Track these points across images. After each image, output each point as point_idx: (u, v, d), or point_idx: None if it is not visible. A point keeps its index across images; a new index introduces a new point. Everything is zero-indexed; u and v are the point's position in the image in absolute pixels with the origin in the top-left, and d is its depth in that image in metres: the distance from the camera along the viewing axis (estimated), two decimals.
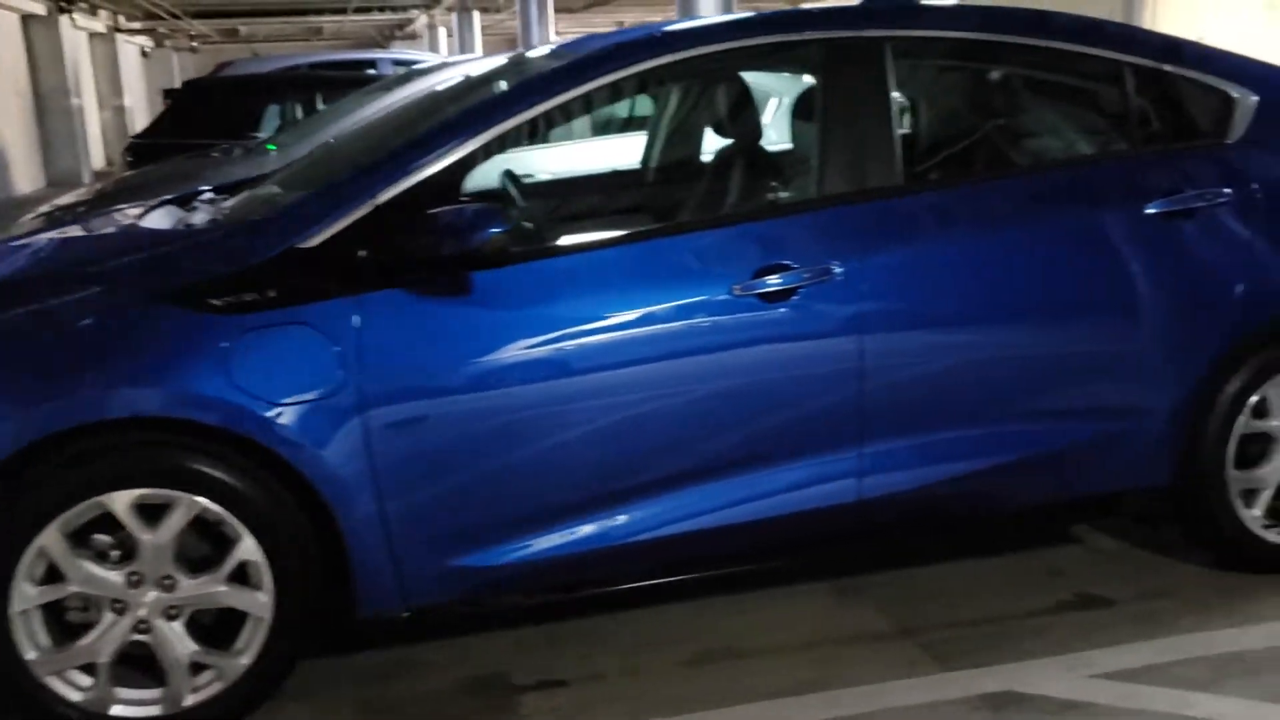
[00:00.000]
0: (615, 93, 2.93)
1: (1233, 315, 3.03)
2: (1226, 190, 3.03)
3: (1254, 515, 3.20)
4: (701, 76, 3.34)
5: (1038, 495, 3.09)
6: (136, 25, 25.31)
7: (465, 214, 2.51)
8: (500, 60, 4.16)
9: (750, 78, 3.39)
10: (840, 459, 2.87)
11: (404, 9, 23.56)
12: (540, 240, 3.09)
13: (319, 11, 23.45)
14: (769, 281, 2.74)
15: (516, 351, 2.61)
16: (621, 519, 2.76)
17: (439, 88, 3.82)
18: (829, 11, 3.00)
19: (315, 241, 2.60)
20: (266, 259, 2.56)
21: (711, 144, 3.45)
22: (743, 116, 3.29)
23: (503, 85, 2.98)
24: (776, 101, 5.51)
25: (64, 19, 19.25)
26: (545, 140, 4.74)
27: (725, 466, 2.81)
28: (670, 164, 3.64)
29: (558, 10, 16.67)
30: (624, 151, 4.31)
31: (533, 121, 2.76)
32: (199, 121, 9.11)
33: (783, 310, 2.76)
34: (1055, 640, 2.96)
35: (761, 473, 2.84)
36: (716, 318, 2.73)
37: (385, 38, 31.01)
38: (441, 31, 24.88)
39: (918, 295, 2.85)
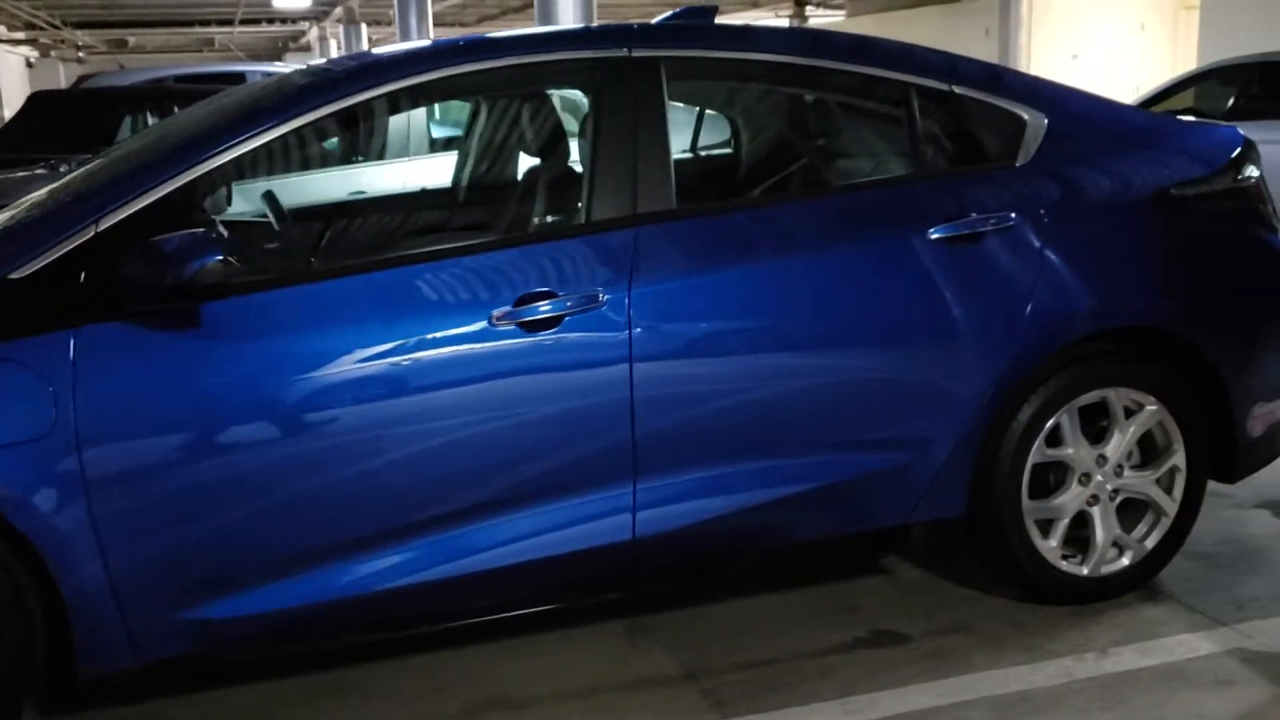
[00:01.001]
0: (368, 112, 2.77)
1: (1022, 343, 2.96)
2: (1012, 215, 2.96)
3: (1050, 546, 3.14)
4: (470, 96, 3.19)
5: (824, 529, 2.99)
6: (19, 35, 24.56)
7: (177, 242, 2.32)
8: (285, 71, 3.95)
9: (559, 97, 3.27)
10: (613, 496, 2.74)
11: (292, 21, 23.14)
12: (289, 268, 2.90)
13: (205, 23, 22.93)
14: (531, 309, 2.60)
15: (247, 390, 2.43)
16: (375, 566, 2.60)
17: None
18: (604, 30, 2.88)
19: (28, 271, 2.40)
20: None
21: (479, 167, 3.31)
22: (510, 138, 3.15)
23: (251, 104, 2.79)
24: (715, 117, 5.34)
25: None
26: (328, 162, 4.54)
27: (489, 506, 2.66)
28: (439, 188, 3.49)
29: (442, 25, 16.48)
30: (405, 174, 4.15)
31: (280, 141, 2.59)
32: (47, 135, 8.73)
33: (547, 340, 2.62)
34: (842, 682, 2.86)
35: (530, 512, 2.70)
36: (474, 348, 2.58)
37: (281, 50, 30.48)
38: (332, 44, 24.50)
39: (689, 324, 2.73)
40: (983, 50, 17.96)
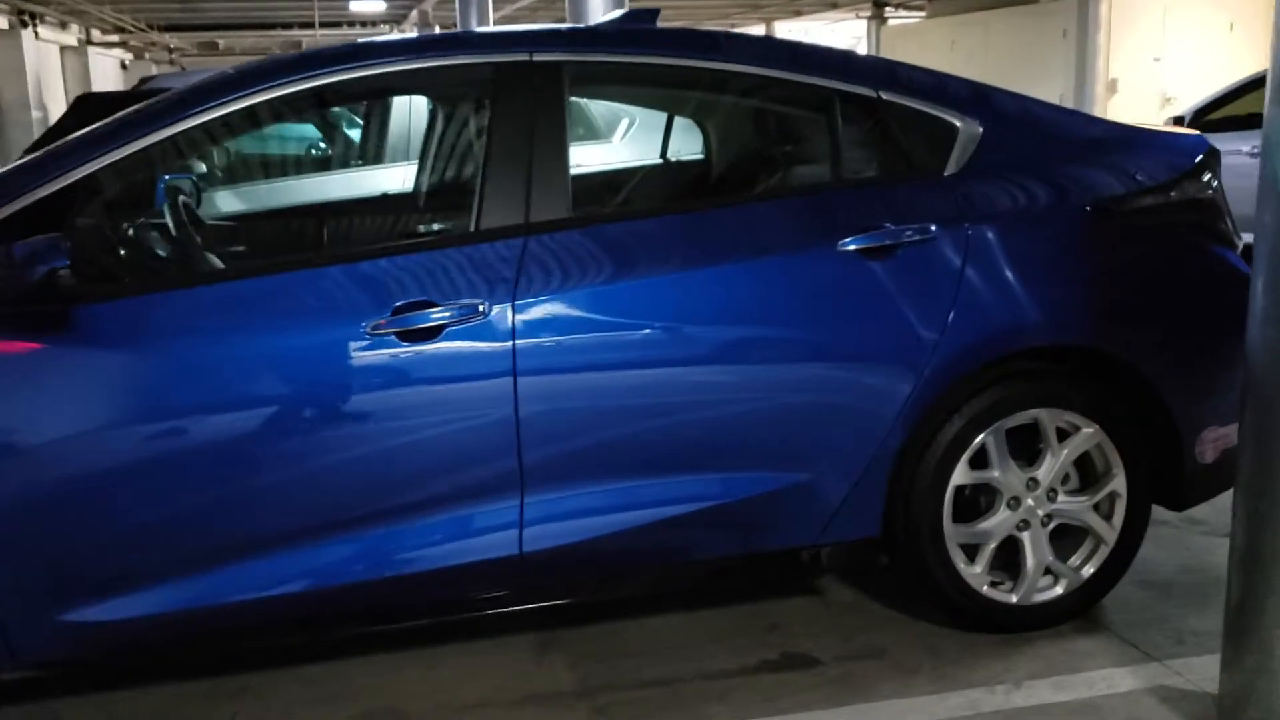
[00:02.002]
0: (252, 119, 2.76)
1: (939, 360, 2.84)
2: (932, 227, 2.85)
3: (975, 572, 3.01)
4: (366, 101, 3.16)
5: (725, 548, 2.90)
6: (112, 38, 25.32)
7: (28, 248, 2.34)
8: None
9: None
10: (499, 510, 2.70)
11: (372, 24, 23.50)
12: (157, 275, 2.88)
13: (288, 26, 23.40)
14: (408, 320, 2.56)
15: (108, 396, 2.44)
16: (260, 573, 2.59)
17: None
18: (505, 34, 2.83)
19: None
20: None
21: (373, 173, 3.28)
22: (407, 143, 3.12)
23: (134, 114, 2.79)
24: (628, 123, 5.33)
25: (26, 32, 19.22)
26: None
27: (370, 518, 2.63)
28: (333, 195, 3.47)
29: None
30: (301, 181, 4.13)
31: (158, 147, 2.59)
32: None
33: (426, 351, 2.58)
34: (737, 704, 2.78)
35: (415, 524, 2.66)
36: (348, 359, 2.55)
37: None
38: None
39: (578, 338, 2.67)
40: (1060, 53, 17.54)
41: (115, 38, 24.90)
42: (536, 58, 2.79)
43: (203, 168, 4.49)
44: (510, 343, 2.61)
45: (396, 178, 3.08)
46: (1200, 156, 3.17)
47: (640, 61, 2.89)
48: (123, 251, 2.81)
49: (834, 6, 24.25)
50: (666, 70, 2.92)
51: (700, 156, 3.09)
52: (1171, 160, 3.14)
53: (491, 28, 2.74)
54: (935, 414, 2.90)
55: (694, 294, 2.74)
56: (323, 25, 23.13)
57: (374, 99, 3.10)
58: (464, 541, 2.69)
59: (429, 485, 2.65)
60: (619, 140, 3.03)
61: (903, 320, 2.83)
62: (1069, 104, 16.85)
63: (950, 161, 2.96)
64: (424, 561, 2.68)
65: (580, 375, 2.68)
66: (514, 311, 2.62)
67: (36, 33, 19.50)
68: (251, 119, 2.74)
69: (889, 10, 23.49)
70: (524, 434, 2.65)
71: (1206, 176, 3.15)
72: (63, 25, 21.91)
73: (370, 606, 2.71)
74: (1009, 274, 2.90)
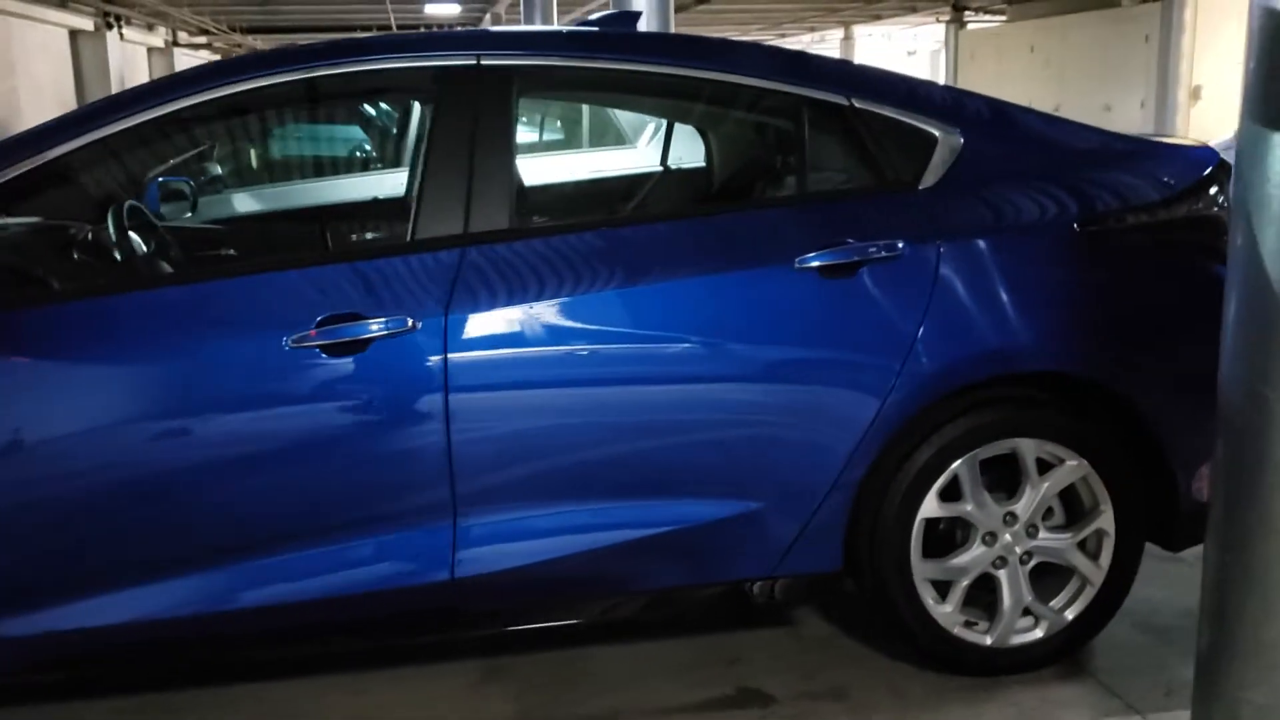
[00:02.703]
0: (182, 124, 2.68)
1: (905, 386, 2.66)
2: (899, 243, 2.67)
3: (945, 610, 2.82)
4: (307, 105, 3.06)
5: (673, 578, 2.75)
6: (199, 40, 25.83)
7: None
8: None
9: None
10: (430, 533, 2.58)
11: (447, 26, 23.67)
12: (77, 284, 2.79)
13: (366, 28, 23.65)
14: (333, 333, 2.46)
15: (27, 408, 2.37)
16: (169, 592, 2.50)
17: None
18: (453, 35, 2.72)
19: None
20: None
21: (312, 180, 3.18)
22: (345, 148, 3.02)
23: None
24: (653, 128, 5.18)
25: (111, 34, 19.67)
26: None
27: (294, 536, 2.53)
28: (274, 202, 3.37)
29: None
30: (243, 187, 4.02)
31: (79, 155, 2.52)
32: None
33: (352, 366, 2.48)
34: None
35: (341, 544, 2.56)
36: (272, 372, 2.45)
37: None
38: None
39: (514, 355, 2.54)
40: (1142, 58, 16.99)
41: (201, 39, 25.40)
42: (485, 61, 2.67)
43: (217, 169, 4.49)
44: (441, 359, 2.50)
45: (342, 185, 2.98)
46: (1208, 170, 2.95)
47: (595, 67, 2.76)
48: (49, 256, 2.74)
49: (913, 10, 23.86)
50: (622, 76, 2.78)
51: (654, 166, 2.95)
52: (1175, 174, 2.92)
53: (444, 30, 2.63)
54: (901, 442, 2.72)
55: (638, 311, 2.60)
56: (400, 28, 23.35)
57: (318, 103, 3.00)
58: (394, 564, 2.58)
59: (357, 505, 2.55)
60: (570, 148, 2.91)
61: (864, 342, 2.66)
62: (1150, 111, 16.32)
63: (927, 174, 2.78)
64: (352, 584, 2.57)
65: (516, 394, 2.56)
66: (446, 326, 2.50)
67: (121, 34, 19.93)
68: (194, 122, 2.66)
69: (968, 14, 23.04)
70: (456, 454, 2.53)
71: (1213, 192, 2.92)
72: (149, 27, 22.40)
73: (296, 628, 2.61)
74: (983, 295, 2.71)
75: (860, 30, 28.78)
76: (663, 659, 3.01)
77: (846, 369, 2.65)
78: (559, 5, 13.99)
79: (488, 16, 21.26)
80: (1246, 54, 2.02)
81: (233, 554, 2.51)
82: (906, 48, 38.35)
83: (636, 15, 3.09)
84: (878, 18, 25.26)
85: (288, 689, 2.90)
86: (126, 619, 2.49)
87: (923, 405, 2.70)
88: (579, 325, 2.57)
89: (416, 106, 2.76)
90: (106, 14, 18.92)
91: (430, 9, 20.32)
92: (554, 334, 2.56)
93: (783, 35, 30.23)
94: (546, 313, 2.55)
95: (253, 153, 3.37)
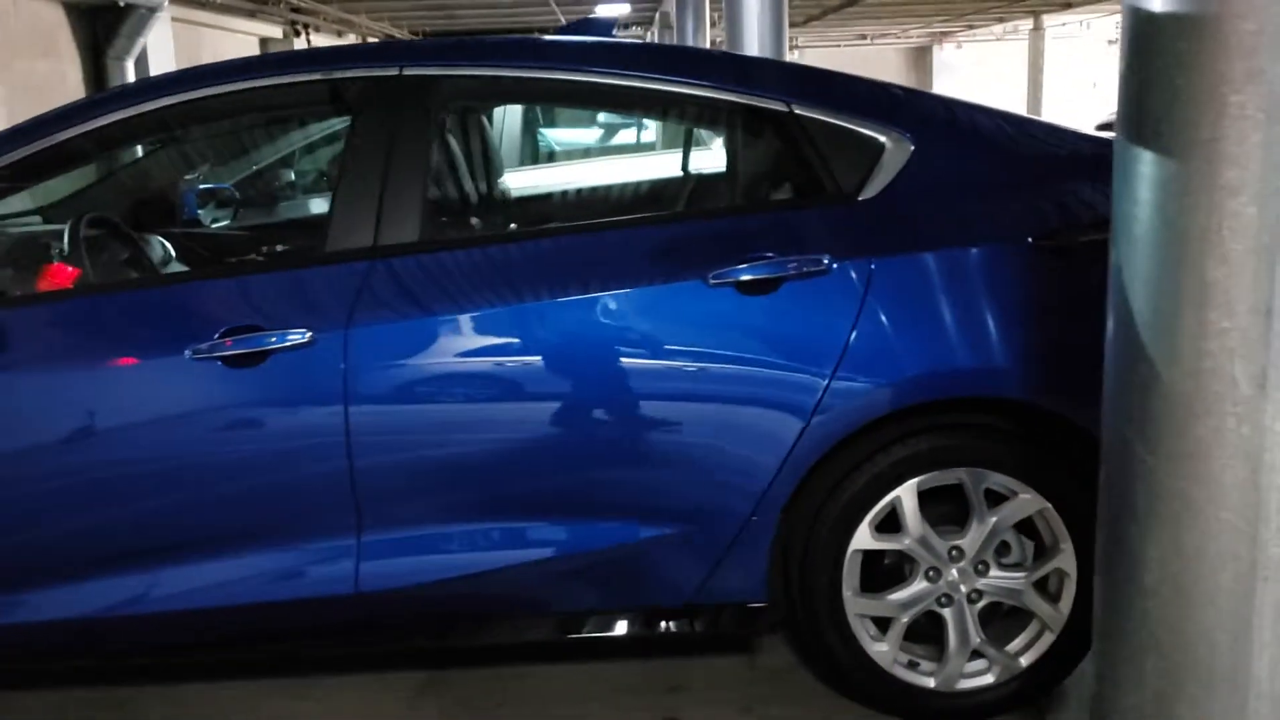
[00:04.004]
0: (103, 141, 2.73)
1: (831, 409, 2.51)
2: (825, 259, 2.52)
3: (883, 649, 2.65)
4: (228, 120, 3.08)
5: (586, 601, 2.67)
6: None
7: None
8: None
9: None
10: (334, 546, 2.58)
11: (623, 26, 23.88)
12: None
13: (544, 29, 24.10)
14: (234, 344, 2.48)
15: None
16: (75, 593, 2.58)
17: None
18: (377, 47, 2.71)
19: None
20: None
21: (229, 193, 3.20)
22: (269, 163, 3.03)
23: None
24: (585, 138, 4.91)
25: (299, 41, 20.65)
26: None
27: (197, 545, 2.57)
28: (188, 216, 3.39)
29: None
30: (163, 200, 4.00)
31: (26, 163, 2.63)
32: None
33: (253, 378, 2.50)
34: None
35: (246, 554, 2.59)
36: (174, 383, 2.50)
37: None
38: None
39: (416, 369, 2.51)
40: None
41: None
42: (407, 71, 2.65)
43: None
44: (341, 372, 2.49)
45: (255, 197, 3.01)
46: None
47: (519, 76, 2.70)
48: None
49: (1068, 7, 22.64)
50: (548, 85, 2.71)
51: (574, 176, 2.86)
52: None
53: (370, 43, 2.62)
54: (829, 468, 2.57)
55: (545, 327, 2.53)
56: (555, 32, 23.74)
57: (239, 118, 3.03)
58: (298, 577, 2.60)
59: (260, 516, 2.57)
60: (494, 158, 2.85)
61: (784, 362, 2.52)
62: None
63: (869, 184, 2.61)
64: (257, 593, 2.59)
65: (418, 409, 2.53)
66: (347, 339, 2.49)
67: (309, 41, 20.88)
68: (121, 138, 2.72)
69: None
70: (357, 469, 2.52)
71: None
72: (339, 34, 23.40)
73: (205, 635, 2.66)
74: (921, 316, 2.53)
75: (1052, 19, 27.53)
76: (605, 680, 2.94)
77: (765, 390, 2.52)
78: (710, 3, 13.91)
79: (656, 16, 21.31)
80: (1121, 66, 1.81)
81: (139, 560, 2.57)
82: (1106, 36, 36.45)
83: (611, 22, 3.00)
84: (1069, 5, 24.08)
85: (236, 689, 2.96)
86: (21, 620, 2.57)
87: (850, 431, 2.53)
88: (483, 341, 2.53)
89: (343, 119, 2.76)
90: (295, 22, 19.84)
91: (601, 9, 20.51)
92: (458, 349, 2.52)
93: (970, 26, 29.27)
94: (450, 327, 2.52)
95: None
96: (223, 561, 2.58)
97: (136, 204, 3.19)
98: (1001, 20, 27.88)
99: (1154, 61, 1.70)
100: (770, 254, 2.52)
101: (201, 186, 3.60)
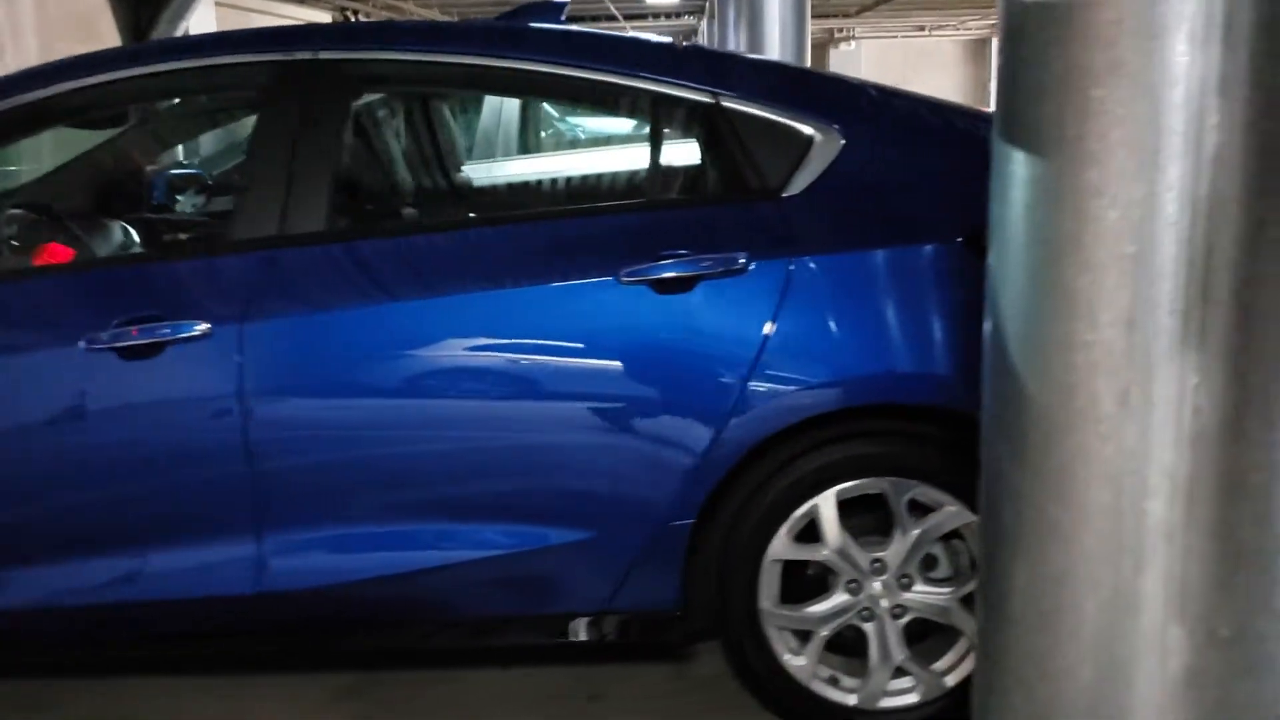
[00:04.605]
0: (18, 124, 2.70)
1: (745, 412, 2.41)
2: (741, 258, 2.41)
3: (800, 663, 2.55)
4: (136, 104, 3.01)
5: (497, 606, 2.60)
6: None
7: None
8: None
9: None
10: (236, 545, 2.53)
11: (676, 16, 23.78)
12: None
13: (595, 18, 24.03)
14: (127, 335, 2.43)
15: None
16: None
17: None
18: (291, 31, 2.64)
19: None
20: None
21: (135, 179, 3.13)
22: (159, 149, 2.96)
23: None
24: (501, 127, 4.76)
25: None
26: None
27: (93, 541, 2.53)
28: (91, 201, 3.31)
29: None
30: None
31: None
32: None
33: (147, 370, 2.45)
34: None
35: (149, 552, 2.55)
36: (68, 374, 2.46)
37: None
38: (702, 40, 24.88)
39: (314, 365, 2.45)
40: None
41: None
42: (322, 55, 2.58)
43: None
44: (238, 365, 2.43)
45: (163, 185, 2.96)
46: None
47: (435, 61, 2.61)
48: None
49: None
50: (465, 71, 2.61)
51: (488, 168, 2.77)
52: None
53: (283, 26, 2.56)
54: (745, 474, 2.47)
55: (450, 322, 2.46)
56: (626, 18, 23.60)
57: (148, 102, 2.98)
58: (199, 575, 2.54)
59: (160, 511, 2.52)
60: (406, 146, 2.78)
61: (697, 364, 2.42)
62: None
63: (795, 179, 2.50)
64: (158, 591, 2.55)
65: (315, 406, 2.47)
66: (243, 331, 2.43)
67: None
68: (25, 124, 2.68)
69: None
70: (256, 467, 2.47)
71: None
72: None
73: (104, 632, 2.62)
74: (842, 318, 2.42)
75: None
76: (530, 687, 2.86)
77: (677, 391, 2.43)
78: None
79: (706, 5, 21.11)
80: (999, 68, 1.69)
81: (40, 556, 2.53)
82: None
83: (562, 6, 2.91)
84: None
85: (165, 685, 2.93)
86: None
87: (766, 436, 2.43)
88: (386, 335, 2.45)
89: (258, 105, 2.70)
90: (344, 9, 19.91)
91: None
92: (357, 345, 2.45)
93: None
94: (351, 322, 2.45)
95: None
96: (125, 558, 2.54)
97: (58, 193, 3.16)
98: None
99: (1021, 52, 1.58)
100: (686, 252, 2.42)
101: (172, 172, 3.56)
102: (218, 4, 14.38)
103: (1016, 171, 1.61)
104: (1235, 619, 1.56)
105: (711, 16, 20.56)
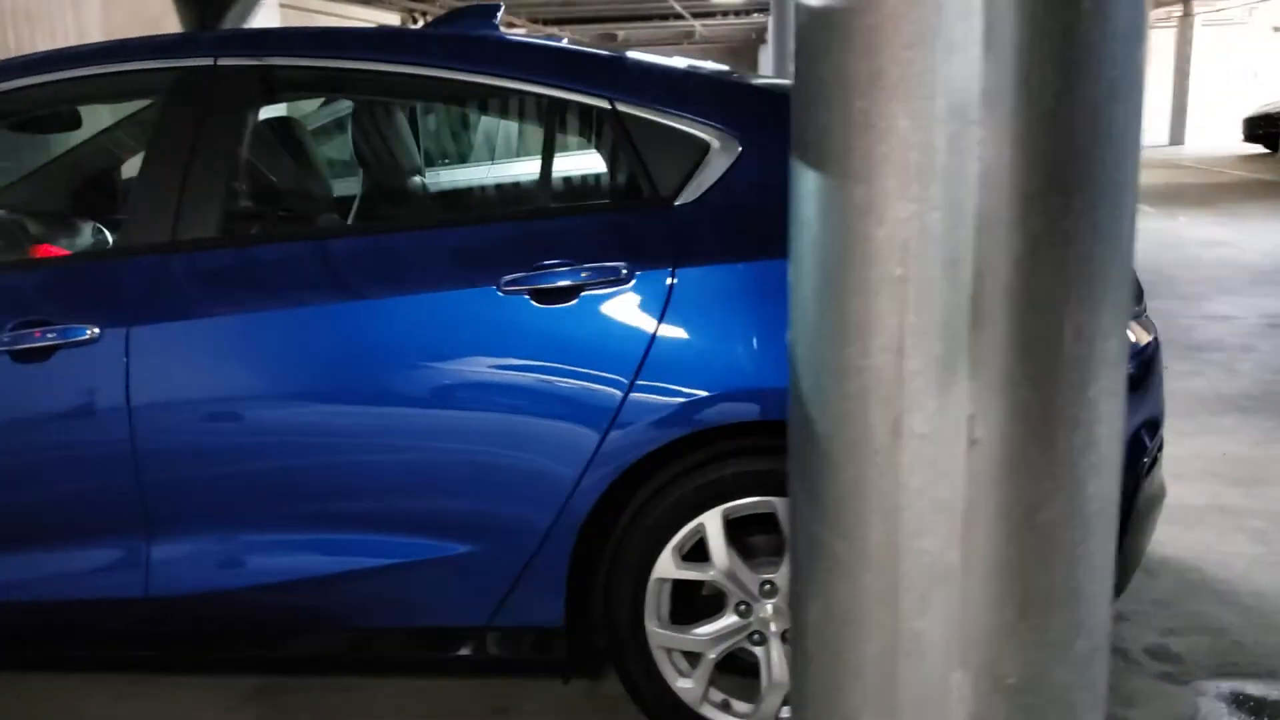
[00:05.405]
0: None
1: (627, 427, 2.34)
2: (622, 268, 2.35)
3: (688, 686, 2.48)
4: (30, 113, 3.01)
5: (381, 619, 2.57)
6: (517, 32, 27.07)
7: None
8: None
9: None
10: (124, 548, 2.54)
11: (747, 14, 23.62)
12: None
13: (664, 17, 23.99)
14: (20, 339, 2.45)
15: None
16: None
17: None
18: (190, 37, 2.64)
19: None
20: None
21: (35, 187, 3.13)
22: (78, 158, 2.97)
23: None
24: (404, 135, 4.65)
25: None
26: None
27: None
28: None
29: None
30: None
31: None
32: None
33: (37, 374, 2.46)
34: None
35: (41, 552, 2.57)
36: None
37: (755, 42, 31.20)
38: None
39: (200, 371, 2.45)
40: None
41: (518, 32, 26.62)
42: (221, 62, 2.57)
43: None
44: (124, 371, 2.44)
45: (62, 190, 2.96)
46: None
47: (328, 66, 2.59)
48: None
49: None
50: (359, 76, 2.59)
51: (382, 175, 2.73)
52: None
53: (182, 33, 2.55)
54: (629, 491, 2.41)
55: (330, 331, 2.43)
56: (695, 15, 23.52)
57: (56, 108, 2.99)
58: (92, 576, 2.56)
59: (52, 514, 2.54)
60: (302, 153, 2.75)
61: (576, 377, 2.36)
62: None
63: (689, 187, 2.43)
64: (52, 591, 2.57)
65: (200, 413, 2.46)
66: (130, 337, 2.44)
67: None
68: None
69: None
70: (143, 471, 2.47)
71: None
72: None
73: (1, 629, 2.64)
74: (728, 330, 2.34)
75: (1204, 5, 26.12)
76: (434, 698, 2.83)
77: (555, 404, 2.37)
78: None
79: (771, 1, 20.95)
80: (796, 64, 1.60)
81: None
82: (1272, 23, 34.37)
83: (497, 8, 2.87)
84: None
85: (69, 684, 2.94)
86: None
87: (647, 451, 2.37)
88: (272, 342, 2.44)
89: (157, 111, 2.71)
90: (411, 10, 20.14)
91: None
92: (245, 351, 2.44)
93: None
94: (237, 328, 2.44)
95: None
96: (24, 558, 2.56)
97: None
98: (1157, 4, 26.55)
99: (801, 60, 1.50)
100: (566, 261, 2.36)
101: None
102: (281, 4, 14.62)
103: (806, 187, 1.53)
104: (1024, 665, 1.46)
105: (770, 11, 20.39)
